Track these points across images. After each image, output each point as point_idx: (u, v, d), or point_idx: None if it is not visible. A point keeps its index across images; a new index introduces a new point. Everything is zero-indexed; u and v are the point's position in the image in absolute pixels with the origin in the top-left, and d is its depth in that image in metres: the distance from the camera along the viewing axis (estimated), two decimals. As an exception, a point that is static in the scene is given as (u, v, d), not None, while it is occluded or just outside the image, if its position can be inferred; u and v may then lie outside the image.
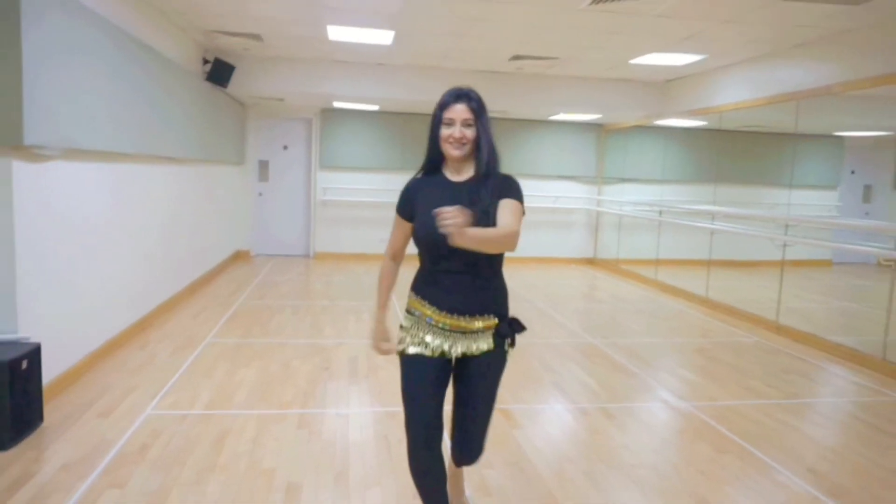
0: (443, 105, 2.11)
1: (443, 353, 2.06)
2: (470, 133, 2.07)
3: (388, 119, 9.06)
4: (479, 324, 2.05)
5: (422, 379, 2.07)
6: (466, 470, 2.54)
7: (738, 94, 6.57)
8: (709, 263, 7.16)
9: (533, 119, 9.25)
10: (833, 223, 7.43)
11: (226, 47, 6.66)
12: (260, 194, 9.17)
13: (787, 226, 6.23)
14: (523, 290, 7.29)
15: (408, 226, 2.18)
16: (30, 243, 3.17)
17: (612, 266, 9.18)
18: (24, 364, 2.89)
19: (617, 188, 9.53)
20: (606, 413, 3.59)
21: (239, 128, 8.36)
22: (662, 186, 9.22)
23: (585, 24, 5.07)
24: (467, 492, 2.54)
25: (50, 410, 3.22)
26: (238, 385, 3.78)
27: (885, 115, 7.87)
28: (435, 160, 2.16)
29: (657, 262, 8.09)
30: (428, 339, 2.07)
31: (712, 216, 7.17)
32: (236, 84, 7.04)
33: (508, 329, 2.10)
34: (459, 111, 2.08)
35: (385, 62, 7.20)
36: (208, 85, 6.57)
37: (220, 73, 6.65)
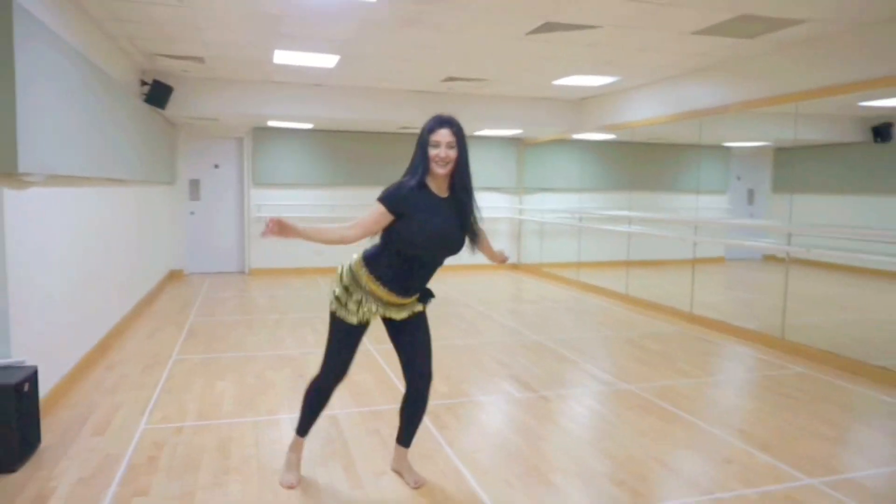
0: (430, 129, 2.54)
1: (368, 320, 2.65)
2: (453, 153, 2.51)
3: (320, 136, 9.19)
4: (413, 299, 2.67)
5: (352, 343, 2.69)
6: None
7: (647, 111, 7.24)
8: (627, 264, 7.80)
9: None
10: (740, 223, 8.21)
11: (164, 69, 6.63)
12: (192, 213, 9.04)
13: (696, 227, 6.92)
14: (459, 294, 7.64)
15: (388, 219, 2.50)
16: (17, 268, 3.18)
17: (535, 270, 9.72)
18: (26, 387, 2.92)
19: (537, 197, 10.11)
20: (560, 396, 3.98)
21: (170, 148, 8.25)
22: (580, 195, 9.87)
23: (521, 50, 5.51)
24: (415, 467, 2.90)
25: (44, 431, 3.22)
26: (220, 397, 3.89)
27: (764, 128, 8.86)
28: (421, 176, 2.52)
29: (578, 265, 8.69)
30: (372, 307, 2.60)
31: (629, 221, 7.81)
32: (173, 105, 6.99)
33: (426, 299, 2.74)
34: (444, 135, 2.51)
35: (323, 83, 7.38)
36: (146, 106, 6.51)
37: (158, 94, 6.60)
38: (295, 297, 7.39)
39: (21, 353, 3.17)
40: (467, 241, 2.63)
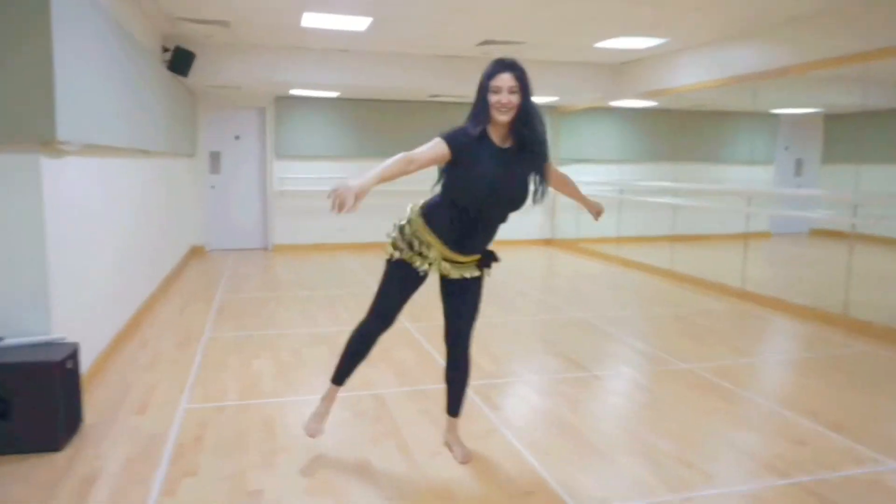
0: (489, 74, 2.45)
1: (426, 274, 2.63)
2: (515, 99, 2.40)
3: (346, 106, 9.12)
4: (469, 259, 2.64)
5: (401, 287, 2.69)
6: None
7: (692, 76, 7.05)
8: (671, 239, 7.68)
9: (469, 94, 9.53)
10: (806, 192, 7.97)
11: (187, 34, 6.58)
12: (212, 187, 9.05)
13: (749, 199, 6.77)
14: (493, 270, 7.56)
15: (444, 156, 2.44)
16: (56, 241, 3.17)
17: (571, 245, 9.62)
18: (69, 364, 2.92)
19: (573, 168, 9.96)
20: (613, 375, 3.92)
21: (190, 118, 8.23)
22: (618, 165, 9.74)
23: (565, 8, 5.36)
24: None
25: (85, 409, 3.24)
26: (258, 375, 3.89)
27: (815, 94, 8.59)
28: (482, 125, 2.46)
29: (618, 240, 8.58)
30: (429, 258, 2.58)
31: (675, 193, 7.67)
32: (195, 73, 6.95)
33: (488, 262, 2.71)
34: (506, 80, 2.41)
35: (351, 48, 7.28)
36: (168, 74, 6.47)
37: (181, 61, 6.56)
38: (322, 274, 7.38)
39: (60, 330, 3.17)
40: (532, 196, 2.56)
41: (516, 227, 10.82)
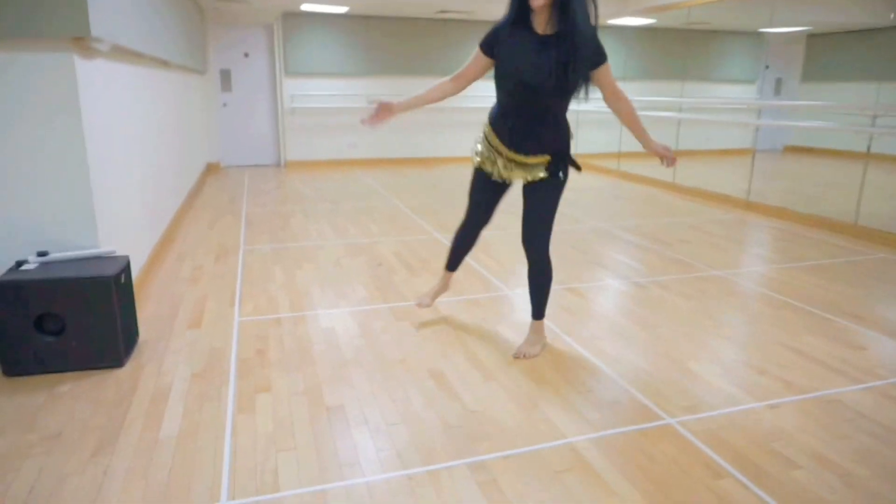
0: None
1: (502, 178, 2.48)
2: None
3: (355, 22, 8.34)
4: (533, 160, 2.39)
5: (484, 190, 2.59)
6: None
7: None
8: (675, 153, 7.27)
9: (484, 20, 8.78)
10: (823, 105, 7.57)
11: (197, -59, 5.77)
12: (224, 105, 8.36)
13: (759, 112, 6.35)
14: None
15: (485, 61, 2.35)
16: (95, 150, 2.69)
17: (568, 161, 9.17)
18: (123, 278, 2.52)
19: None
20: (656, 284, 3.62)
21: (200, 35, 7.45)
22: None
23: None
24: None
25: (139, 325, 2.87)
26: (306, 286, 3.52)
27: (802, 11, 8.00)
28: (514, 12, 2.24)
29: (619, 156, 8.15)
30: (498, 164, 2.46)
31: (680, 108, 7.21)
32: (205, -16, 6.18)
33: (557, 166, 2.40)
34: None
35: (362, -41, 6.52)
36: (179, -16, 5.72)
37: (191, -30, 5.79)
38: (341, 188, 6.90)
39: (105, 244, 2.75)
40: (569, 88, 2.23)
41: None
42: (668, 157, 2.42)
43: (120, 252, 2.90)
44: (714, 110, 8.56)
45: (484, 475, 1.81)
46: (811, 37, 10.49)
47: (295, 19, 8.12)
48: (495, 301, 3.33)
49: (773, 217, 5.54)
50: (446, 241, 4.54)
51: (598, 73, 2.26)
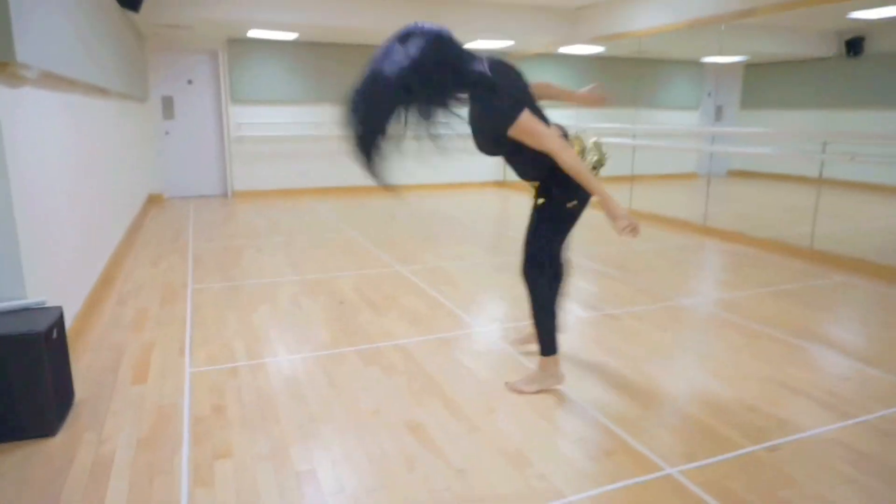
0: None
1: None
2: None
3: (304, 49, 8.14)
4: (534, 186, 2.49)
5: None
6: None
7: (648, 19, 6.58)
8: (632, 178, 7.33)
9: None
10: (782, 134, 7.76)
11: (137, -36, 5.48)
12: (167, 133, 7.97)
13: (713, 137, 6.46)
14: (456, 211, 7.04)
15: None
16: (21, 185, 2.39)
17: (524, 187, 9.16)
18: (55, 333, 2.22)
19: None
20: (628, 315, 3.53)
21: (140, 60, 7.10)
22: (563, 109, 9.25)
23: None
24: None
25: (74, 382, 2.55)
26: (263, 330, 3.26)
27: (739, 43, 8.31)
28: None
29: (573, 180, 8.17)
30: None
31: (633, 135, 7.29)
32: (146, 9, 5.88)
33: (542, 195, 2.44)
34: None
35: (312, -15, 6.36)
36: (118, 9, 5.41)
37: (131, -6, 5.49)
38: (293, 219, 6.62)
39: (34, 293, 2.44)
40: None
41: (467, 170, 10.34)
42: (628, 226, 2.19)
43: (51, 301, 2.59)
44: (667, 136, 8.72)
45: (482, 550, 1.61)
46: (748, 66, 10.95)
47: (241, 45, 7.86)
48: (467, 338, 3.15)
49: (730, 241, 5.59)
50: (409, 274, 4.35)
51: (512, 134, 2.23)
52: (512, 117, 2.18)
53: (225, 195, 8.35)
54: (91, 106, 4.08)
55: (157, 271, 4.43)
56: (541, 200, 2.46)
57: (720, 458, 2.07)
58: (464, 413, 2.37)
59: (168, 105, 7.90)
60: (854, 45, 8.72)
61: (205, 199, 8.04)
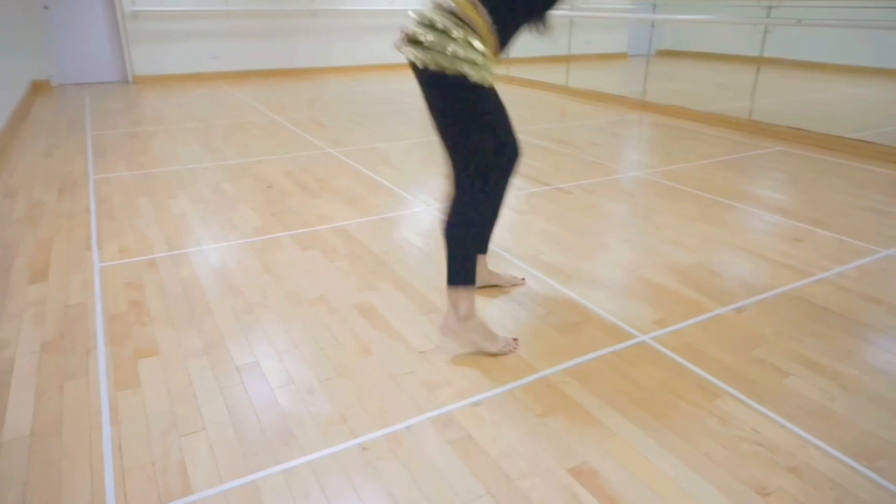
0: None
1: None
2: None
3: None
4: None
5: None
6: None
7: None
8: (568, 59, 7.00)
9: None
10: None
11: None
12: (45, 7, 6.86)
13: (655, 5, 6.16)
14: (391, 93, 6.57)
15: None
16: None
17: (455, 68, 8.66)
18: (-84, 222, 1.80)
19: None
20: (579, 188, 3.37)
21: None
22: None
23: None
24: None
25: (-45, 284, 2.15)
26: (182, 218, 2.89)
27: None
28: None
29: (508, 62, 7.76)
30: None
31: (571, 7, 6.88)
32: None
33: None
34: None
35: None
36: None
37: None
38: (207, 105, 5.97)
39: None
40: None
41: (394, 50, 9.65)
42: None
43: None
44: (613, 6, 8.33)
45: (455, 432, 1.46)
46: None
47: None
48: (412, 217, 2.91)
49: (669, 116, 5.48)
50: (341, 155, 3.99)
51: None
52: None
53: (125, 81, 7.43)
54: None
55: (50, 161, 3.86)
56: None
57: (690, 321, 1.99)
58: (418, 293, 2.17)
59: (43, -27, 6.73)
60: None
61: (101, 87, 7.12)
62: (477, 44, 1.58)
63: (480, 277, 2.11)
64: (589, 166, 3.85)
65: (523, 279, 2.27)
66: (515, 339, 1.84)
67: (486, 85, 1.62)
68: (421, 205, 3.11)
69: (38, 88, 6.74)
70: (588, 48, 9.64)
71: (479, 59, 1.58)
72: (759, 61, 5.01)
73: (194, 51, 7.49)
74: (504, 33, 1.66)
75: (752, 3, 5.70)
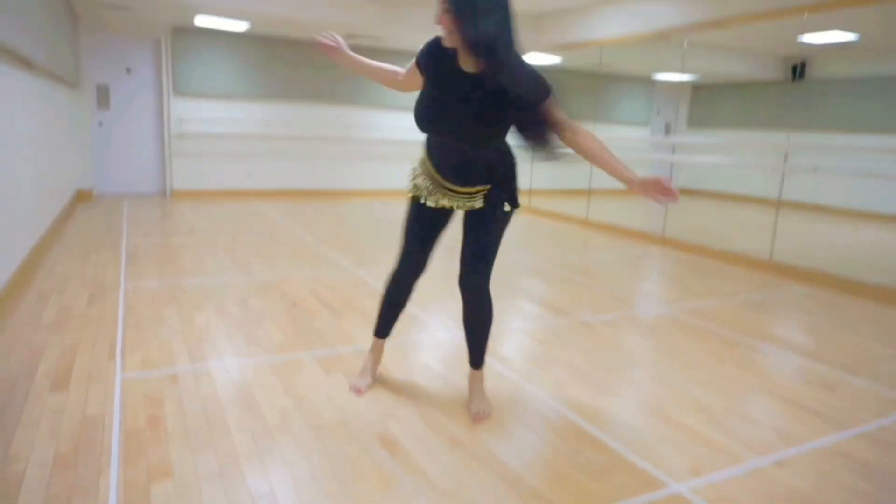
0: None
1: (441, 205, 2.12)
2: (445, 20, 1.77)
3: (255, 43, 7.73)
4: (470, 190, 2.06)
5: (419, 219, 2.17)
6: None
7: (611, 28, 6.57)
8: (589, 192, 7.27)
9: (394, 49, 8.47)
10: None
11: (73, -67, 5.02)
12: (100, 124, 7.39)
13: (674, 148, 6.46)
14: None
15: (418, 77, 2.04)
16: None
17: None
18: (-46, 326, 1.83)
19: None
20: (604, 323, 3.36)
21: (72, 41, 6.54)
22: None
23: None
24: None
25: (-24, 388, 2.14)
26: (207, 332, 2.90)
27: (693, 61, 8.49)
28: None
29: (530, 193, 8.07)
30: (430, 190, 2.10)
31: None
32: (81, -17, 5.40)
33: (499, 195, 2.06)
34: None
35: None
36: (48, -21, 4.92)
37: (65, -35, 5.01)
38: (238, 220, 6.20)
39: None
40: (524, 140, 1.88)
41: (403, 177, 10.09)
42: (667, 193, 1.79)
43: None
44: (630, 149, 8.75)
45: (482, 586, 1.36)
46: (695, 87, 11.25)
47: (187, 34, 7.40)
48: (433, 343, 2.90)
49: (689, 252, 5.57)
50: (366, 275, 4.06)
51: (544, 110, 1.86)
52: (549, 88, 1.87)
53: (163, 193, 7.80)
54: (13, 78, 3.63)
55: (84, 266, 3.97)
56: (479, 205, 2.07)
57: (729, 473, 1.89)
58: (442, 425, 2.11)
59: (103, 93, 7.33)
60: (797, 70, 9.06)
61: (140, 197, 7.48)
62: (416, 165, 2.16)
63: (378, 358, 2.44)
64: (612, 299, 3.86)
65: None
66: None
67: (410, 195, 2.17)
68: (442, 329, 3.10)
69: (82, 196, 7.09)
70: (608, 182, 10.05)
71: (411, 176, 2.17)
72: (777, 204, 5.16)
73: (230, 169, 7.91)
74: (431, 155, 2.08)
75: (768, 149, 5.96)
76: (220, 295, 3.50)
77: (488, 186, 2.05)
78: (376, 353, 2.43)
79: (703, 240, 5.73)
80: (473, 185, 2.04)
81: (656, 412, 2.29)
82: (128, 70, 7.42)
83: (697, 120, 11.09)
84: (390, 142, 8.71)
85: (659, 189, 1.79)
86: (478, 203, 2.08)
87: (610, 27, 6.62)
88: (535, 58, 8.47)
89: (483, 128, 1.91)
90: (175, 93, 7.51)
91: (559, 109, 1.89)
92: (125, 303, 3.26)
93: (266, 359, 2.61)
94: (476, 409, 2.20)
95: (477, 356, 2.27)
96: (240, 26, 7.14)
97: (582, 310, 3.59)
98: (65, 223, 5.48)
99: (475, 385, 2.28)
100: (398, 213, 7.10)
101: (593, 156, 1.92)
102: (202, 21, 6.85)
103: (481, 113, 1.87)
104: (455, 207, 2.11)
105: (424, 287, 3.82)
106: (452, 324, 3.20)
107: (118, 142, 7.51)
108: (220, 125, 7.73)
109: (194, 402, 2.18)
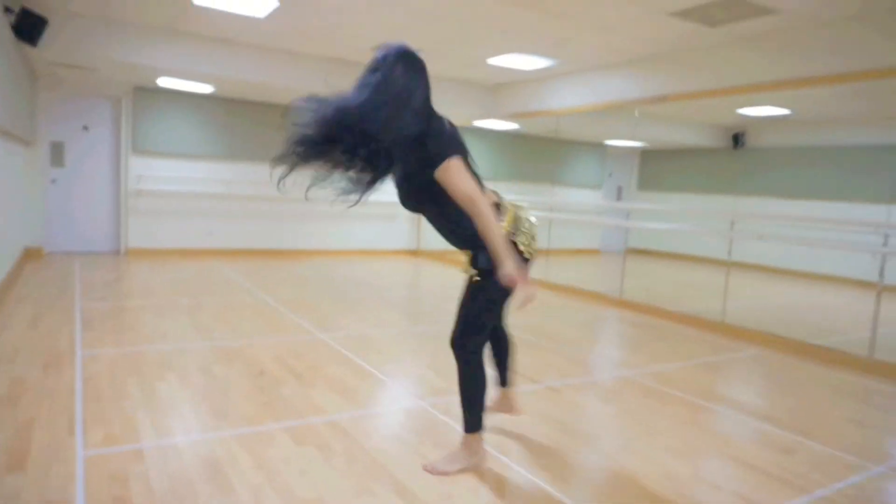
0: None
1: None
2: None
3: (216, 103, 7.80)
4: (465, 252, 2.33)
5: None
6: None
7: (569, 99, 6.93)
8: (547, 252, 7.47)
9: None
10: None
11: (39, -5, 5.06)
12: (53, 181, 7.24)
13: (628, 214, 6.73)
14: (373, 278, 6.83)
15: None
16: None
17: (438, 256, 9.11)
18: (-88, 407, 1.75)
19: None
20: (569, 387, 3.43)
21: (28, 100, 6.46)
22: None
23: (475, 14, 4.82)
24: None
25: (-75, 472, 2.03)
26: (171, 404, 2.83)
27: (642, 129, 9.00)
28: None
29: (489, 250, 8.22)
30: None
31: (550, 208, 7.49)
32: (45, 44, 5.40)
33: (476, 261, 2.26)
34: None
35: (235, 40, 6.14)
36: (10, 38, 4.92)
37: (29, 26, 5.02)
38: (198, 281, 6.10)
39: None
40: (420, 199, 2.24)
41: (381, 238, 10.18)
42: (527, 294, 2.11)
43: None
44: (583, 212, 9.08)
45: None
46: (643, 152, 11.85)
47: (148, 94, 7.41)
48: (404, 413, 2.90)
49: (645, 314, 5.75)
50: (331, 340, 4.04)
51: (437, 175, 2.06)
52: (445, 155, 2.04)
53: (117, 252, 7.62)
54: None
55: (37, 334, 3.83)
56: (476, 278, 2.27)
57: (699, 543, 1.95)
58: (418, 499, 2.11)
59: (57, 151, 7.21)
60: (738, 139, 9.70)
61: (93, 256, 7.28)
62: None
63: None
64: (575, 364, 3.95)
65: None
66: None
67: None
68: (412, 398, 3.11)
69: (30, 255, 6.86)
70: (564, 242, 10.33)
71: None
72: (726, 265, 5.42)
73: (189, 227, 7.82)
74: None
75: (716, 216, 6.31)
76: (182, 363, 3.43)
77: (470, 252, 2.29)
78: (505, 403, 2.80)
79: (659, 302, 5.94)
80: (458, 247, 2.34)
81: (630, 483, 2.34)
82: (85, 127, 7.35)
83: (647, 183, 11.64)
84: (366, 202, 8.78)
85: (518, 285, 2.08)
86: (472, 271, 2.29)
87: (565, 98, 6.98)
88: (493, 124, 8.81)
89: (405, 187, 2.21)
90: (134, 151, 7.45)
91: (450, 175, 2.04)
92: (83, 373, 3.16)
93: (235, 432, 2.56)
94: (433, 462, 2.34)
95: (463, 420, 2.35)
96: (204, 88, 7.21)
97: (548, 375, 3.66)
98: (12, 284, 5.28)
99: (460, 447, 2.37)
100: (358, 273, 7.07)
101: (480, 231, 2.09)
102: (165, 82, 6.90)
103: (405, 172, 2.17)
104: (464, 272, 2.35)
105: (395, 353, 3.83)
106: (422, 390, 3.21)
107: (72, 199, 7.36)
108: (179, 184, 7.67)
109: (162, 481, 2.11)
